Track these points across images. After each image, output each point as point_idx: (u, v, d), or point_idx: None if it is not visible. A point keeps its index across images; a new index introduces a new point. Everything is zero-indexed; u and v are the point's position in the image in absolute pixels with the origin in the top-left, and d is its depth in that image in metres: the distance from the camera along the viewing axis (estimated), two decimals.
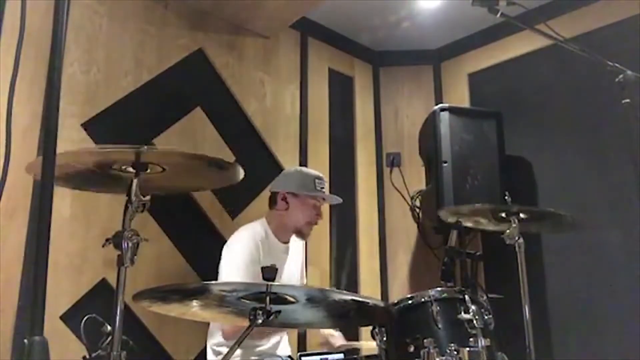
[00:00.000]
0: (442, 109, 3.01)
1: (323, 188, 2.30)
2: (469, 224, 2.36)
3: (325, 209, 3.08)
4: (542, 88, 3.09)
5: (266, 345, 2.23)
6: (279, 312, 1.32)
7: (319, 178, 2.31)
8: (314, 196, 2.29)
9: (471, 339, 1.66)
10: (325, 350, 2.36)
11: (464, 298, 1.77)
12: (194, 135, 2.65)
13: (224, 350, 2.08)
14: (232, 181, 1.45)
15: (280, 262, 2.27)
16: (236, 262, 2.12)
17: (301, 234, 2.33)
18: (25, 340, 0.75)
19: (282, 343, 2.33)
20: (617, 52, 2.16)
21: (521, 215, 2.05)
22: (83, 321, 1.35)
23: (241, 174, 1.41)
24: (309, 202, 2.28)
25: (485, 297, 1.86)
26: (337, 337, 2.39)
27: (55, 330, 2.03)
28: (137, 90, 2.49)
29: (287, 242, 2.36)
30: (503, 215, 2.08)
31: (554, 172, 2.96)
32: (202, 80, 2.78)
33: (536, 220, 2.16)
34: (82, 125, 2.27)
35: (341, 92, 3.50)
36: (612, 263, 2.65)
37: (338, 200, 2.43)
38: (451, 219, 2.05)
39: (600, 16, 2.85)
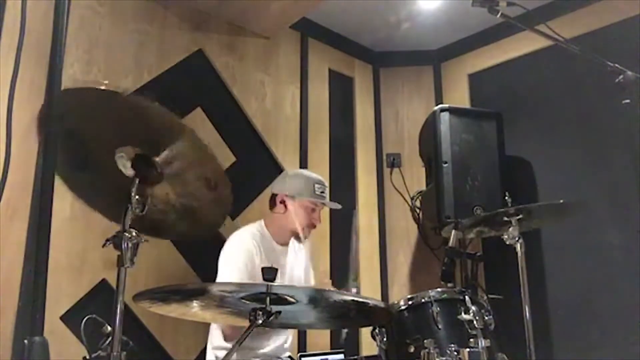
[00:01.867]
0: (442, 110, 3.01)
1: (323, 193, 2.30)
2: (471, 236, 2.38)
3: (325, 208, 3.09)
4: (542, 88, 3.09)
5: (269, 347, 2.23)
6: (279, 312, 1.32)
7: (320, 182, 2.31)
8: (313, 201, 2.28)
9: (471, 340, 1.67)
10: (325, 351, 2.36)
11: (464, 299, 1.77)
12: None
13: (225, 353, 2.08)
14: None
15: (279, 264, 2.27)
16: (233, 265, 2.12)
17: (298, 237, 2.32)
18: (26, 341, 0.75)
19: (286, 345, 2.32)
20: (617, 52, 2.15)
21: (520, 215, 2.05)
22: (83, 322, 1.35)
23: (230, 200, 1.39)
24: (308, 206, 2.28)
25: (485, 298, 1.86)
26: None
27: (55, 331, 2.03)
28: (137, 90, 2.49)
29: (285, 245, 2.36)
30: (505, 219, 2.08)
31: (554, 173, 2.96)
32: (203, 80, 2.78)
33: (536, 216, 2.16)
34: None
35: (341, 92, 3.50)
36: (612, 263, 2.65)
37: (337, 206, 2.42)
38: (452, 235, 2.06)
39: (600, 17, 2.85)
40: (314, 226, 2.32)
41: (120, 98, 1.18)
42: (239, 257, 2.13)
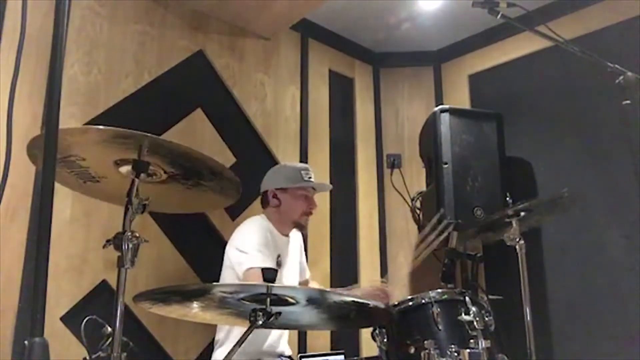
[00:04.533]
0: (443, 110, 3.00)
1: (311, 178, 2.32)
2: (477, 243, 2.39)
3: (325, 209, 3.09)
4: (542, 89, 3.09)
5: (268, 340, 2.23)
6: (279, 313, 1.32)
7: (305, 169, 2.34)
8: (303, 187, 2.30)
9: (472, 341, 1.67)
10: (325, 352, 2.36)
11: (465, 299, 1.77)
12: (194, 136, 2.66)
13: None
14: (231, 194, 1.46)
15: (284, 254, 2.32)
16: (255, 246, 2.13)
17: (299, 226, 2.35)
18: (26, 342, 0.75)
19: (284, 338, 2.33)
20: (618, 53, 2.16)
21: (522, 213, 2.06)
22: (83, 322, 1.35)
23: (238, 190, 1.41)
24: (299, 194, 2.30)
25: (485, 299, 1.86)
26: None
27: (55, 332, 2.03)
28: (137, 91, 2.49)
29: (287, 235, 2.39)
30: (506, 220, 2.09)
31: (554, 173, 2.96)
32: (203, 81, 2.78)
33: (537, 213, 2.16)
34: (82, 126, 2.27)
35: (342, 93, 3.50)
36: (612, 263, 2.65)
37: (328, 187, 2.46)
38: (453, 236, 2.07)
39: (601, 18, 2.85)
40: (310, 212, 2.35)
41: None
42: (258, 239, 2.16)
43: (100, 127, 1.18)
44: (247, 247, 2.14)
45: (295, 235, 2.46)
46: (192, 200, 1.59)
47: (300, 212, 2.31)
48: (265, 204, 2.35)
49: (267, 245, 2.17)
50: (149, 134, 1.18)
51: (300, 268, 2.49)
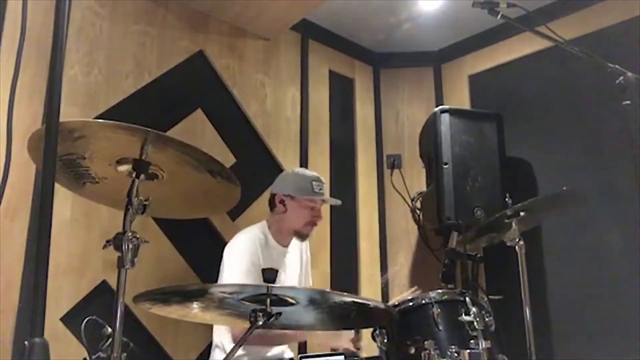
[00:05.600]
0: (443, 111, 3.01)
1: (321, 190, 2.28)
2: (482, 244, 2.38)
3: (325, 211, 3.09)
4: (542, 90, 3.09)
5: (271, 353, 2.22)
6: (280, 313, 1.32)
7: (317, 180, 2.29)
8: (312, 199, 2.27)
9: (472, 341, 1.66)
10: (326, 352, 2.35)
11: (465, 300, 1.77)
12: (195, 136, 2.66)
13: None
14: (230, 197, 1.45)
15: (280, 266, 2.27)
16: (237, 268, 2.11)
17: (300, 235, 2.32)
18: (26, 342, 0.75)
19: (287, 351, 2.32)
20: (618, 53, 2.16)
21: (522, 213, 2.06)
22: (83, 323, 1.35)
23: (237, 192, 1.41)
24: (307, 204, 2.27)
25: (485, 299, 1.86)
26: (341, 337, 2.35)
27: (55, 332, 2.03)
28: (138, 92, 2.49)
29: (286, 246, 2.35)
30: (505, 220, 2.09)
31: (554, 174, 2.96)
32: (203, 82, 2.78)
33: (537, 212, 2.17)
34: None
35: (342, 94, 3.50)
36: (612, 263, 2.65)
37: (337, 202, 2.42)
38: (453, 236, 2.07)
39: (601, 18, 2.85)
40: (314, 224, 2.31)
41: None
42: (242, 260, 2.13)
43: (101, 120, 1.18)
44: (229, 270, 2.13)
45: (298, 246, 2.42)
46: (193, 205, 1.58)
47: (304, 221, 2.27)
48: (272, 206, 2.33)
49: (254, 265, 2.11)
50: (151, 130, 1.19)
51: (301, 278, 2.45)
